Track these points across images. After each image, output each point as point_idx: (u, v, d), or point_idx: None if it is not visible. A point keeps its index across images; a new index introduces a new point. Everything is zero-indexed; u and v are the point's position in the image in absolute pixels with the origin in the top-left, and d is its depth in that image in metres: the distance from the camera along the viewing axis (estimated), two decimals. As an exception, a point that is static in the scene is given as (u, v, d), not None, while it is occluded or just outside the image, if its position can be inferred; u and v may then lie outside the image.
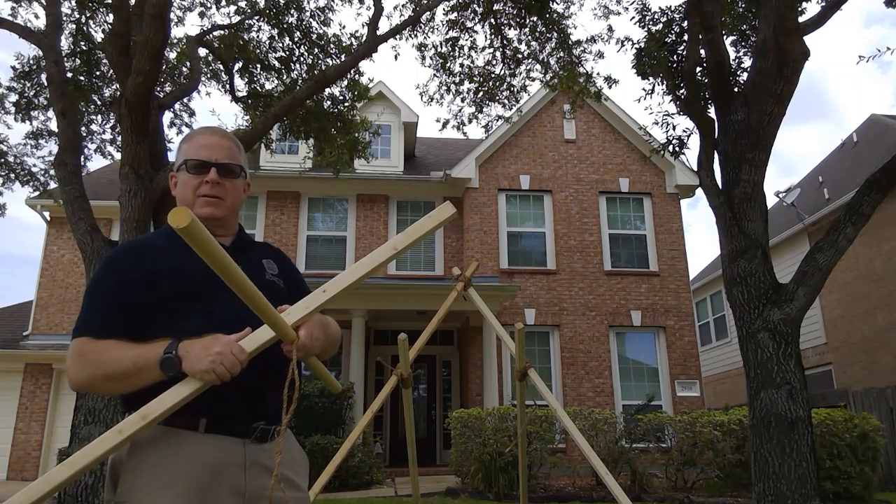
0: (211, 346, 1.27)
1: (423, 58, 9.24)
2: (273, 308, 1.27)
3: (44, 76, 8.33)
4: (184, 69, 9.14)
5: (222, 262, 1.15)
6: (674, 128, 7.35)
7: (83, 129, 8.63)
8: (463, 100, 9.44)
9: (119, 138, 8.38)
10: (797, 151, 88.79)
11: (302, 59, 9.29)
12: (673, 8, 7.50)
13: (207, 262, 1.14)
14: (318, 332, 1.40)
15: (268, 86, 9.60)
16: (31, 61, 8.70)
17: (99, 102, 8.98)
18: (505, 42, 9.15)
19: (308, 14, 9.02)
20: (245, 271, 1.26)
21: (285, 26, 9.01)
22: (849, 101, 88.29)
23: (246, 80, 9.54)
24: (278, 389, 1.37)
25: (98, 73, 8.82)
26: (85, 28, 8.62)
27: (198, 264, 1.46)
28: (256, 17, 9.13)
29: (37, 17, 11.63)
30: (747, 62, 7.30)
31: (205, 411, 1.36)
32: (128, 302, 1.42)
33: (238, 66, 9.36)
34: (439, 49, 9.14)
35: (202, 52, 9.06)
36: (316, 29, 9.10)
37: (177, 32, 20.50)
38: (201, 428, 1.38)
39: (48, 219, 13.64)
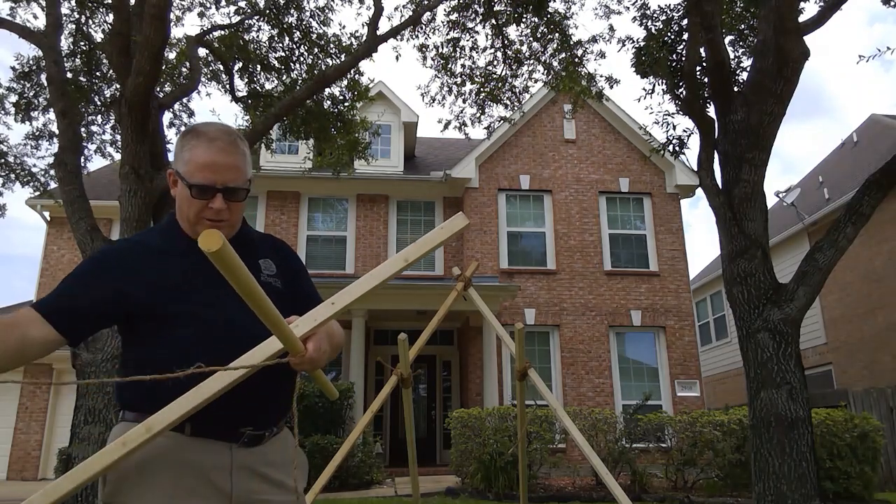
0: None
1: (425, 58, 9.24)
2: (284, 322, 1.25)
3: (44, 76, 8.33)
4: (184, 69, 9.13)
5: (248, 287, 1.14)
6: (674, 128, 7.36)
7: (83, 129, 8.62)
8: (465, 101, 9.44)
9: (119, 138, 8.38)
10: (798, 150, 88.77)
11: (302, 59, 9.29)
12: (672, 7, 7.50)
13: (233, 285, 1.13)
14: (326, 345, 1.37)
15: (268, 86, 9.60)
16: (31, 61, 8.70)
17: (99, 102, 8.98)
18: (506, 43, 9.15)
19: (308, 14, 9.02)
20: None
21: (285, 26, 9.00)
22: (852, 100, 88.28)
23: (246, 80, 9.54)
24: (269, 395, 1.35)
25: (98, 73, 8.82)
26: (85, 28, 8.61)
27: (189, 269, 1.45)
28: (256, 17, 9.12)
29: (35, 17, 11.63)
30: (747, 62, 7.30)
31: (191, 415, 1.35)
32: (93, 298, 1.42)
33: (238, 66, 9.36)
34: (440, 50, 9.14)
35: (202, 52, 9.05)
36: (316, 29, 9.10)
37: (177, 32, 20.51)
38: (187, 431, 1.36)
39: (48, 219, 13.64)
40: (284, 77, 9.36)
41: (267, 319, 1.21)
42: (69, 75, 7.93)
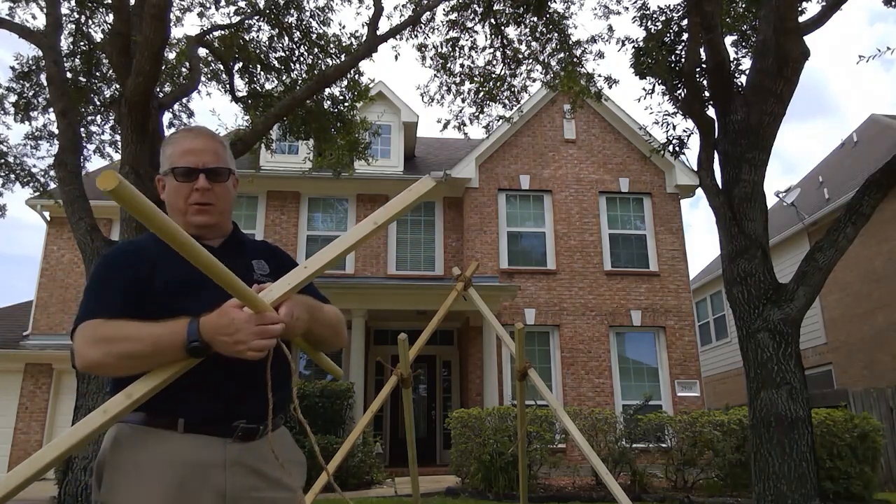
0: (232, 333, 1.23)
1: (424, 58, 9.25)
2: (243, 283, 1.22)
3: (43, 76, 8.33)
4: (184, 69, 9.13)
5: (170, 232, 1.09)
6: (674, 128, 7.35)
7: (83, 129, 8.63)
8: (464, 100, 9.45)
9: (119, 138, 8.39)
10: (800, 150, 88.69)
11: (302, 59, 9.30)
12: (672, 7, 7.50)
13: (148, 227, 1.08)
14: (301, 312, 1.35)
15: (268, 86, 9.61)
16: (31, 61, 8.70)
17: (99, 102, 8.98)
18: (505, 42, 9.16)
19: (308, 14, 9.03)
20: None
21: (285, 26, 9.01)
22: (854, 99, 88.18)
23: (246, 80, 9.55)
24: (261, 387, 1.32)
25: (98, 73, 8.82)
26: (85, 28, 8.62)
27: (182, 269, 1.41)
28: (256, 17, 9.13)
29: (35, 17, 11.62)
30: (747, 62, 7.30)
31: (183, 411, 1.35)
32: (132, 293, 1.42)
33: (238, 66, 9.36)
34: (440, 49, 9.15)
35: (202, 52, 9.05)
36: (316, 29, 9.11)
37: (177, 32, 20.50)
38: (180, 427, 1.36)
39: (48, 219, 13.64)
40: (284, 77, 9.37)
41: (221, 280, 1.18)
42: (69, 75, 7.94)
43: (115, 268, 1.49)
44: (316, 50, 9.15)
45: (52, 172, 8.96)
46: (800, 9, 6.24)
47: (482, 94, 9.36)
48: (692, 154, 23.93)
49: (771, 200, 10.83)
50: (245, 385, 1.40)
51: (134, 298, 1.42)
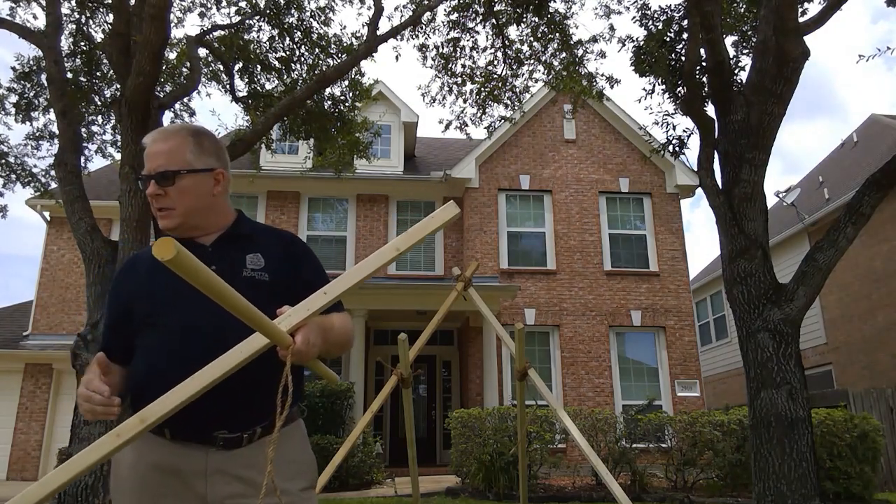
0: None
1: (425, 58, 9.24)
2: (264, 316, 1.22)
3: (44, 76, 8.33)
4: (184, 69, 9.13)
5: (215, 288, 1.13)
6: (674, 128, 7.36)
7: (83, 129, 8.63)
8: (465, 101, 9.43)
9: (119, 138, 8.38)
10: (803, 149, 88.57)
11: (302, 59, 9.29)
12: (673, 7, 7.50)
13: (200, 289, 1.11)
14: (315, 338, 1.33)
15: (268, 86, 9.60)
16: (31, 62, 8.71)
17: (99, 102, 8.98)
18: (507, 42, 9.15)
19: (308, 14, 9.03)
20: (217, 273, 1.17)
21: (286, 26, 9.01)
22: (857, 98, 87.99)
23: (246, 80, 9.54)
24: (245, 397, 1.36)
25: (98, 73, 8.82)
26: (85, 28, 8.61)
27: (161, 280, 1.45)
28: (257, 18, 9.13)
29: (35, 17, 11.63)
30: (747, 62, 7.31)
31: (168, 420, 1.33)
32: (115, 323, 1.58)
33: (238, 66, 9.36)
34: (441, 50, 9.14)
35: (202, 52, 9.05)
36: (316, 29, 9.11)
37: (177, 33, 20.47)
38: (167, 435, 1.41)
39: (48, 219, 13.64)
40: (285, 77, 9.36)
41: (245, 318, 1.19)
42: (69, 75, 7.93)
43: (112, 292, 1.63)
44: (316, 50, 9.14)
45: (52, 172, 8.96)
46: (800, 9, 6.24)
47: (484, 94, 9.35)
48: (692, 154, 23.98)
49: (771, 200, 10.83)
50: (224, 396, 1.38)
51: (119, 326, 1.55)
